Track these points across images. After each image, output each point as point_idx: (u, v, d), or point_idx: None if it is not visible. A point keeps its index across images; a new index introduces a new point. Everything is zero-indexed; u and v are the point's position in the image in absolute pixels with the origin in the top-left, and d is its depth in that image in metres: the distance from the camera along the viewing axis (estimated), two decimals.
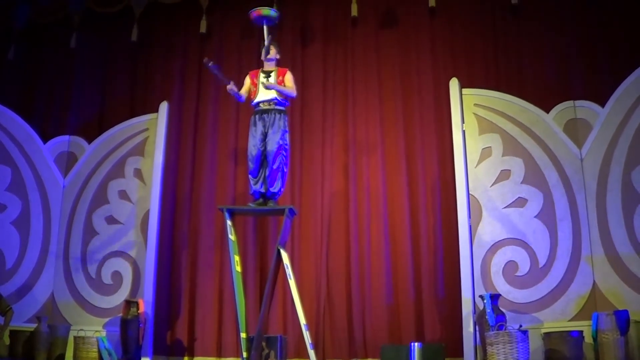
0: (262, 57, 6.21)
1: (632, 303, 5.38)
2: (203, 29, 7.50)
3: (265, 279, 6.32)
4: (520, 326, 5.25)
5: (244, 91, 6.18)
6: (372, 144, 6.94)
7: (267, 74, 6.10)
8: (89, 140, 7.27)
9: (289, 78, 6.12)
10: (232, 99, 7.24)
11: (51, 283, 6.84)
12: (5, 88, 7.84)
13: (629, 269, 5.53)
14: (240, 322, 5.73)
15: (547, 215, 5.90)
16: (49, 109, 7.94)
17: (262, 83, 6.03)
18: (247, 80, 6.19)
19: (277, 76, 6.08)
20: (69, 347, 6.36)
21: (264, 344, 5.84)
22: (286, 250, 5.98)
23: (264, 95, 6.06)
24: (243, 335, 5.70)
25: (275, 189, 5.97)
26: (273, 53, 6.19)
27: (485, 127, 6.24)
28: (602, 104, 5.97)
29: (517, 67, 6.76)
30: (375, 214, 6.74)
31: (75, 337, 6.23)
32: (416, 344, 5.72)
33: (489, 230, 6.01)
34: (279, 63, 6.25)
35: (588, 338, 5.35)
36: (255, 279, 6.81)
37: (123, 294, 6.61)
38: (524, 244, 5.90)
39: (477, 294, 5.79)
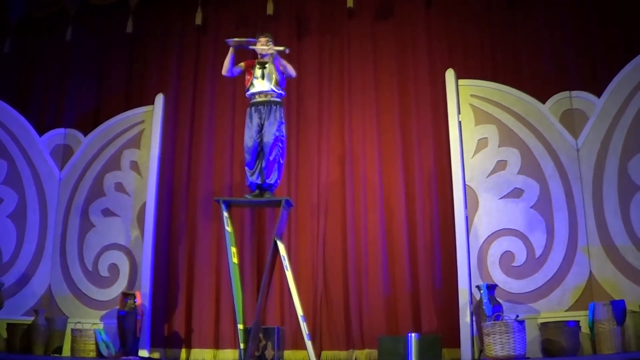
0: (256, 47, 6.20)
1: (629, 293, 5.37)
2: (199, 20, 7.48)
3: (262, 271, 6.34)
4: (517, 316, 5.24)
5: (238, 67, 6.22)
6: (369, 135, 6.94)
7: (263, 65, 6.09)
8: (85, 133, 7.25)
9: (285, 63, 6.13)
10: (228, 91, 7.30)
11: (48, 276, 6.83)
12: (0, 81, 7.82)
13: (625, 259, 5.51)
14: (238, 314, 5.74)
15: (543, 206, 5.90)
16: (45, 101, 7.93)
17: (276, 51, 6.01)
18: (242, 65, 6.21)
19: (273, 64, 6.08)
20: (66, 340, 6.35)
21: (261, 335, 5.87)
22: (283, 242, 6.00)
23: (260, 86, 6.06)
24: (240, 326, 5.70)
25: (271, 180, 5.97)
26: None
27: (482, 117, 6.23)
28: (599, 94, 5.95)
29: (513, 58, 6.75)
30: (371, 205, 6.74)
31: (72, 330, 6.22)
32: (413, 334, 5.71)
33: (486, 220, 6.01)
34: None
35: (585, 328, 5.34)
36: (252, 270, 6.81)
37: (120, 286, 6.60)
38: (520, 235, 5.90)
39: (473, 284, 5.79)
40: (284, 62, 6.10)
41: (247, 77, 6.15)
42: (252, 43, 6.14)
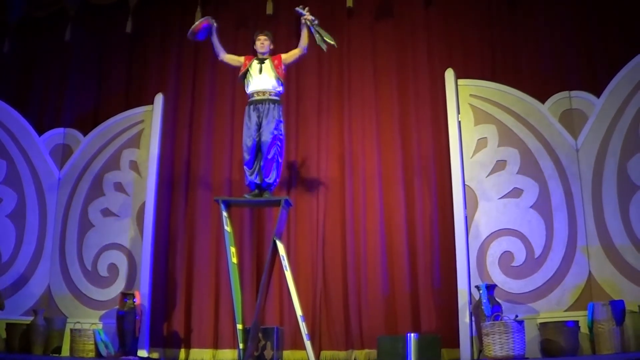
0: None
1: (628, 293, 5.37)
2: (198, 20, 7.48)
3: (261, 270, 6.34)
4: (516, 316, 5.23)
5: (230, 58, 6.23)
6: (368, 134, 6.94)
7: (261, 61, 6.12)
8: (85, 133, 7.24)
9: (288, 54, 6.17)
10: (227, 91, 7.29)
11: (47, 276, 6.83)
12: (0, 81, 7.82)
13: (624, 259, 5.51)
14: (237, 314, 5.73)
15: (542, 206, 5.89)
16: (44, 101, 7.93)
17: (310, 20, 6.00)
18: (242, 59, 6.20)
19: (272, 61, 6.10)
20: (65, 340, 6.35)
21: (260, 335, 5.87)
22: (282, 242, 5.99)
23: (258, 84, 6.06)
24: (239, 326, 5.69)
25: (270, 179, 5.97)
26: (267, 44, 6.17)
27: (481, 117, 6.23)
28: (598, 94, 5.95)
29: (513, 58, 6.75)
30: (371, 204, 6.73)
31: (71, 330, 6.22)
32: (412, 334, 5.70)
33: (485, 220, 6.00)
34: (273, 53, 6.25)
35: (584, 328, 5.34)
36: (251, 270, 6.81)
37: (119, 286, 6.60)
38: (519, 235, 5.89)
39: (473, 284, 5.79)
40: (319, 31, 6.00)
41: (242, 68, 6.15)
42: (206, 25, 6.09)
